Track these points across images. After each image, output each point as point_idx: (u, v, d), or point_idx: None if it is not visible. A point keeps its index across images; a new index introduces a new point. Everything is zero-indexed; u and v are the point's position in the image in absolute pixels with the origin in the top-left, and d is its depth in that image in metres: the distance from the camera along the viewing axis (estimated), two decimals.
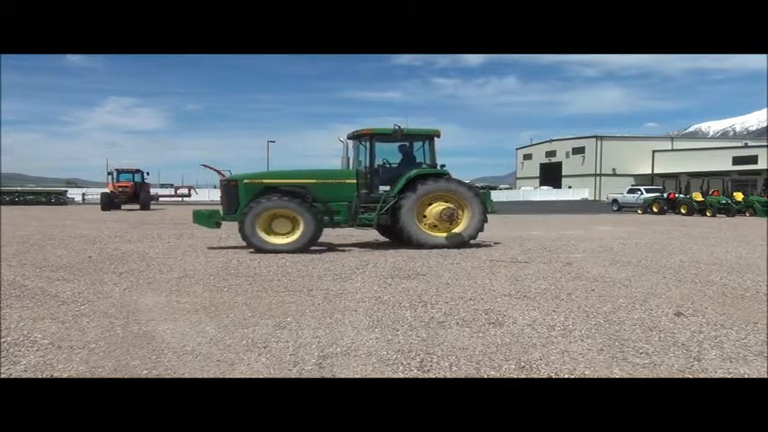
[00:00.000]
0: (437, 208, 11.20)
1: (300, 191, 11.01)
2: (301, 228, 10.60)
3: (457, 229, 11.35)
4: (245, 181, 11.20)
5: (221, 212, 11.43)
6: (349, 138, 12.07)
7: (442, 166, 11.89)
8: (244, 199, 10.97)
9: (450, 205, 11.24)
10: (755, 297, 6.61)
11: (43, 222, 19.77)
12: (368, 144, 11.45)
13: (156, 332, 4.87)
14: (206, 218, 11.51)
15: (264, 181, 11.29)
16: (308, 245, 10.63)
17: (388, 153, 12.02)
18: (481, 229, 11.64)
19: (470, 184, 11.98)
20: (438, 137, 11.91)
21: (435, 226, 11.31)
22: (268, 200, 10.63)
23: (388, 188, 11.47)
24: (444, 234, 11.30)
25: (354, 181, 11.42)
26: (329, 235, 12.65)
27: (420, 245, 11.03)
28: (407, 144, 12.01)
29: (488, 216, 11.83)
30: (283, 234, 10.67)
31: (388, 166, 11.86)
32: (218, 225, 11.53)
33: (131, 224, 19.00)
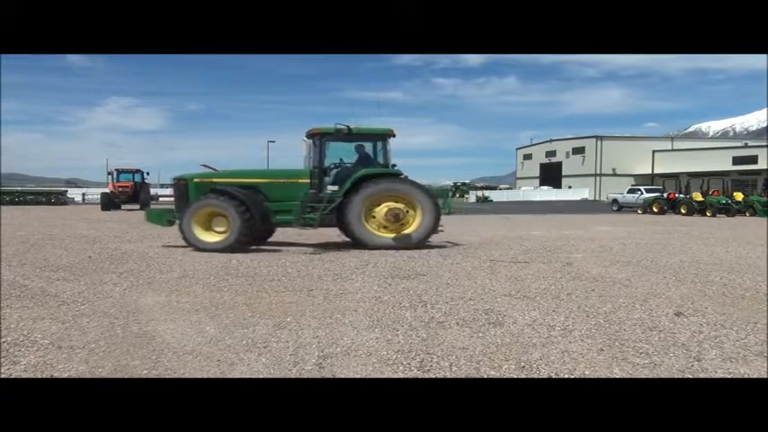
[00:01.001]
0: (385, 208, 11.15)
1: (247, 191, 11.06)
2: (230, 226, 10.66)
3: (407, 230, 11.24)
4: (195, 180, 11.55)
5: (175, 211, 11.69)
6: (306, 137, 12.00)
7: (393, 165, 11.81)
8: (192, 198, 11.27)
9: (397, 205, 11.09)
10: (755, 297, 6.61)
11: (43, 222, 19.77)
12: (318, 143, 11.45)
13: (156, 332, 4.87)
14: (158, 217, 11.95)
15: (213, 180, 11.58)
16: (236, 244, 10.53)
17: (348, 153, 12.03)
18: (433, 230, 11.37)
19: (424, 185, 11.71)
20: (391, 136, 11.77)
21: (386, 226, 11.21)
22: (203, 199, 10.93)
23: (336, 188, 11.45)
24: (393, 235, 11.19)
25: (307, 180, 11.46)
26: (328, 235, 12.65)
27: (365, 244, 11.02)
28: (363, 144, 11.94)
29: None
30: (220, 233, 10.80)
31: (342, 166, 11.90)
32: (170, 223, 11.72)
33: (131, 224, 18.99)
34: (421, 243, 11.19)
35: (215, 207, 10.79)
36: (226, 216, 10.69)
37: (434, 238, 11.86)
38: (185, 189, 11.47)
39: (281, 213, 11.27)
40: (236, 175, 11.84)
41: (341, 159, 11.93)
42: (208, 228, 10.82)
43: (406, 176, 11.58)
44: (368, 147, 12.00)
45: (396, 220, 11.03)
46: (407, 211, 11.25)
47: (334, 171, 11.74)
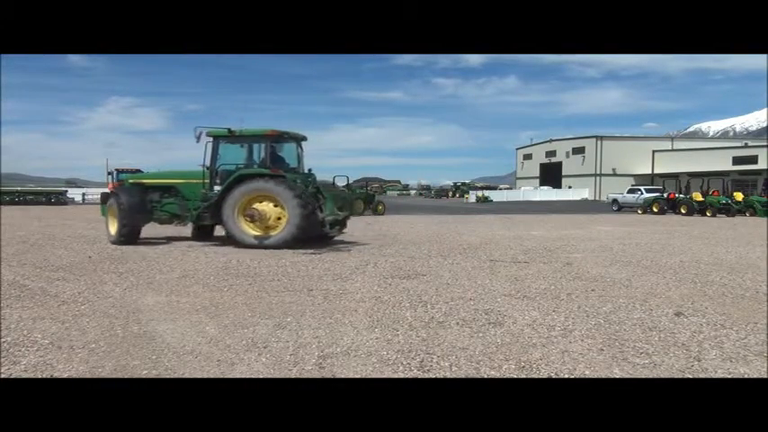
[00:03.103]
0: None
1: (148, 191, 12.37)
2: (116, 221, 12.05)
3: (273, 231, 11.27)
4: (130, 180, 13.05)
5: None
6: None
7: (309, 169, 12.36)
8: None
9: (254, 206, 11.25)
10: (755, 297, 6.61)
11: (43, 222, 19.77)
12: (210, 145, 11.97)
13: (156, 332, 4.87)
14: (103, 211, 13.40)
15: (143, 181, 12.90)
16: (118, 236, 11.85)
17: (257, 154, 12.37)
18: (297, 234, 11.07)
19: (298, 185, 11.52)
20: (273, 137, 11.90)
21: (259, 225, 11.41)
22: (111, 197, 12.45)
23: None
24: (260, 233, 11.31)
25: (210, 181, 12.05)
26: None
27: (235, 241, 11.39)
28: (274, 146, 12.20)
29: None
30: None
31: (239, 166, 12.15)
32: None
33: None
34: (281, 245, 11.00)
35: (111, 205, 12.37)
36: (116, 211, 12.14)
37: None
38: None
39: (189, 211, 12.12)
40: (162, 176, 13.09)
41: (248, 160, 12.26)
42: (114, 221, 12.28)
43: (284, 177, 11.45)
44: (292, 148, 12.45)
45: (251, 219, 11.25)
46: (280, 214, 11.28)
47: (220, 171, 12.02)
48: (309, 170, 12.55)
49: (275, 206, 11.23)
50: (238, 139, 12.04)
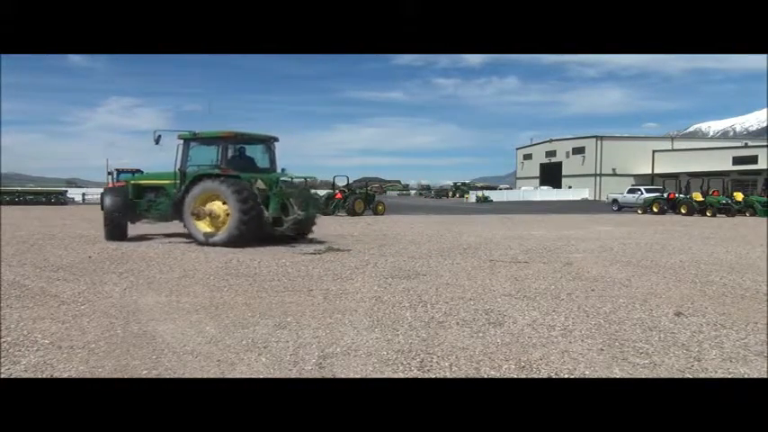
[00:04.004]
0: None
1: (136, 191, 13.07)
2: None
3: (220, 230, 11.57)
4: (132, 182, 13.66)
5: None
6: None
7: (283, 169, 12.75)
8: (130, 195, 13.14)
9: (207, 205, 11.71)
10: (755, 297, 6.61)
11: (43, 222, 19.76)
12: (181, 148, 12.52)
13: (156, 332, 4.87)
14: None
15: (140, 182, 13.58)
16: (105, 233, 12.70)
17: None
18: (239, 233, 11.26)
19: (243, 185, 11.56)
20: (227, 139, 12.16)
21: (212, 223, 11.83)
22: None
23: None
24: (210, 230, 11.69)
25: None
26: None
27: (193, 238, 11.91)
28: (245, 147, 12.81)
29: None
30: None
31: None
32: None
33: (131, 224, 18.94)
34: (226, 243, 11.21)
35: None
36: None
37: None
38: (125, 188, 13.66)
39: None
40: (156, 177, 13.54)
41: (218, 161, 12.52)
42: None
43: (235, 177, 11.66)
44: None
45: (197, 218, 11.79)
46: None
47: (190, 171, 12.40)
48: (283, 170, 12.87)
49: (224, 204, 11.60)
50: (202, 141, 12.54)
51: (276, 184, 12.10)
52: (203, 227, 11.71)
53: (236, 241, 11.20)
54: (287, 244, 11.75)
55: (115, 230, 12.62)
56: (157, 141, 12.30)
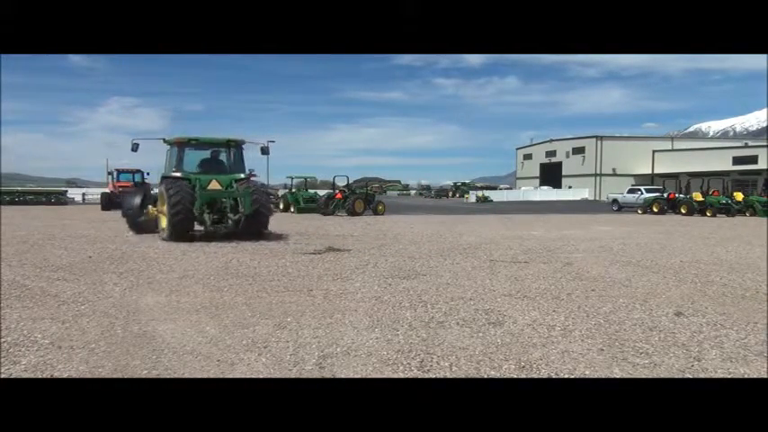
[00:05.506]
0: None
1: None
2: None
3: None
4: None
5: None
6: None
7: (251, 170, 13.76)
8: None
9: (161, 206, 12.58)
10: (755, 297, 6.62)
11: (43, 222, 19.76)
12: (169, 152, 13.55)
13: (156, 332, 4.87)
14: None
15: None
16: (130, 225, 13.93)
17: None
18: (172, 230, 12.11)
19: (177, 187, 12.31)
20: (179, 144, 13.07)
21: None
22: None
23: None
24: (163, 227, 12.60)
25: None
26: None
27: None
28: (218, 150, 13.70)
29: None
30: None
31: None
32: None
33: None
34: (169, 238, 12.05)
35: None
36: None
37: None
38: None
39: None
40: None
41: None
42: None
43: (184, 180, 12.49)
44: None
45: (147, 216, 13.29)
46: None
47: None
48: (250, 170, 13.83)
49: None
50: (173, 145, 13.33)
51: (230, 185, 12.80)
52: (162, 225, 12.67)
53: (176, 237, 12.03)
54: (254, 240, 12.24)
55: (132, 226, 13.78)
56: (135, 149, 13.39)
